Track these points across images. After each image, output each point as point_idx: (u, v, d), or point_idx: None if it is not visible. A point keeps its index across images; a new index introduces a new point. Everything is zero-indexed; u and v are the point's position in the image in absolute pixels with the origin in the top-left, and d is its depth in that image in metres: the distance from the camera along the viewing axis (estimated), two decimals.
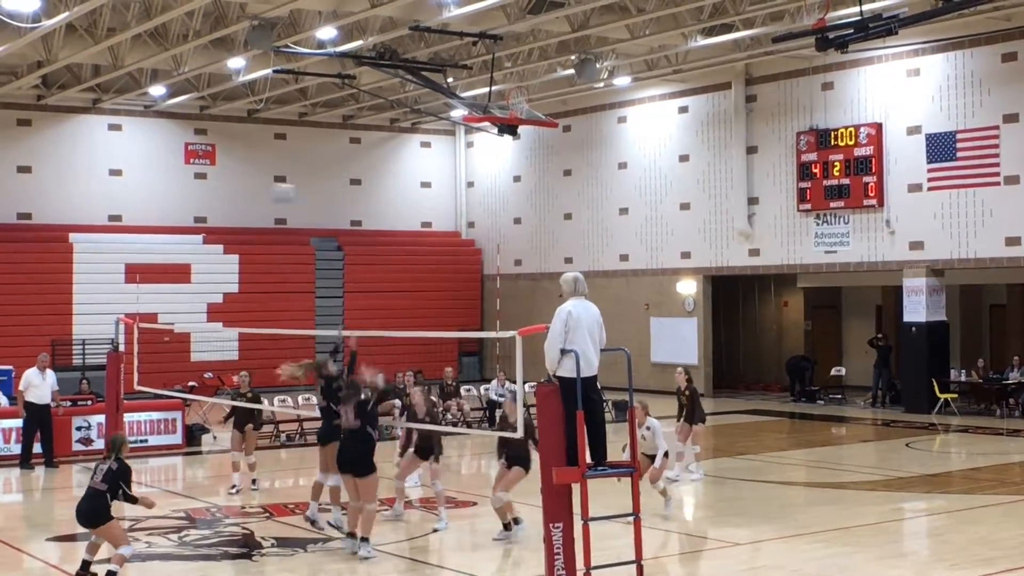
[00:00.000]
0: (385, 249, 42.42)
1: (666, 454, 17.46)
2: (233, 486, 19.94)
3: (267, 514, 17.73)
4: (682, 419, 20.37)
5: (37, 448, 22.87)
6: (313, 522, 16.24)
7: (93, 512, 13.36)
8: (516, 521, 15.90)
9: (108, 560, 13.24)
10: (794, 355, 36.67)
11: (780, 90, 34.41)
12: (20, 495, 21.52)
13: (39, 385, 22.89)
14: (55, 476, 22.28)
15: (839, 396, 34.45)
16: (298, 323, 38.66)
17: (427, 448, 16.95)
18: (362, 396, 14.81)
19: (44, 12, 26.61)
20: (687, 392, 20.17)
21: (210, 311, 38.85)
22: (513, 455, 15.66)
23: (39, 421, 22.93)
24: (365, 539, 14.54)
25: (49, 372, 23.20)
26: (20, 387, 23.07)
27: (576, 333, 12.11)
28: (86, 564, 13.57)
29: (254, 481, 19.88)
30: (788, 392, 35.92)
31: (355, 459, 14.75)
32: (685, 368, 20.56)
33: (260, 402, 20.68)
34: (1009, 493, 19.23)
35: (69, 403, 25.25)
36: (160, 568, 14.40)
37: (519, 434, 13.79)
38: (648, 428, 17.12)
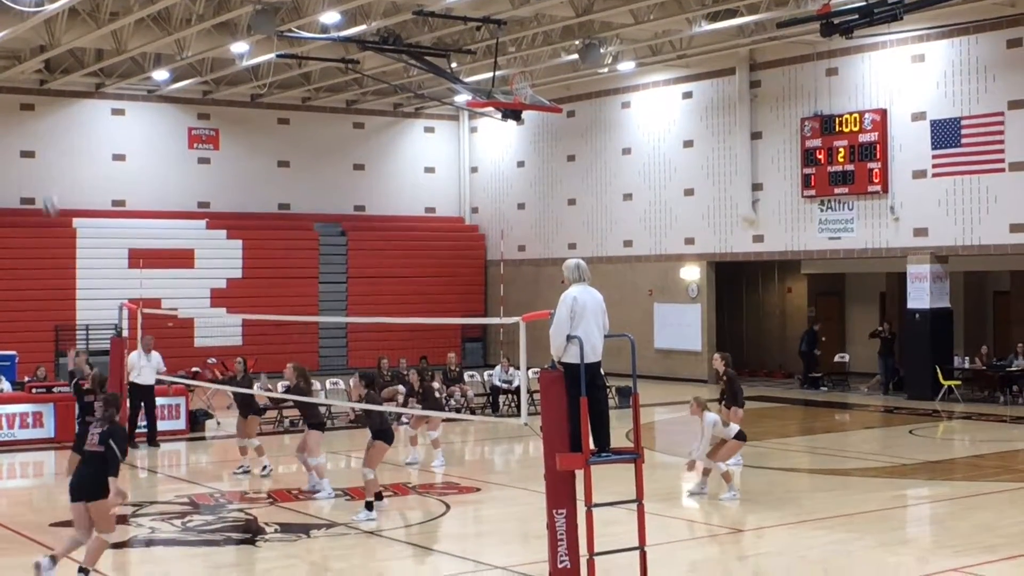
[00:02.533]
0: (389, 234, 42.39)
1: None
2: (240, 466, 20.07)
3: (271, 500, 17.75)
4: (721, 404, 20.27)
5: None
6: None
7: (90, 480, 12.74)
8: (379, 497, 16.57)
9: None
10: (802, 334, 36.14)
11: (784, 76, 34.35)
12: (26, 480, 21.57)
13: (144, 366, 23.15)
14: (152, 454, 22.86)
15: (843, 382, 34.42)
16: (301, 309, 38.68)
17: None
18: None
19: None
20: (724, 376, 20.12)
21: (213, 296, 38.84)
22: (376, 429, 16.59)
23: (143, 401, 23.32)
24: (85, 570, 12.76)
25: (154, 354, 23.50)
26: (127, 369, 23.19)
27: (581, 319, 12.12)
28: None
29: (264, 467, 19.85)
30: (792, 378, 35.92)
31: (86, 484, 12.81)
32: (722, 354, 20.40)
33: (250, 386, 20.70)
34: (1013, 480, 19.22)
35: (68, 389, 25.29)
36: (163, 553, 14.42)
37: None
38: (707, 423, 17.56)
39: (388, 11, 29.07)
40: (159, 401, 24.84)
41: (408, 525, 16.03)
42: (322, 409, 26.91)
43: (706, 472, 17.66)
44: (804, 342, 35.18)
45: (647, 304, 37.74)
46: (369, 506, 16.20)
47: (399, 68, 35.49)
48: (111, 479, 12.66)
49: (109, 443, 12.72)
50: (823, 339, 35.57)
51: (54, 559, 12.77)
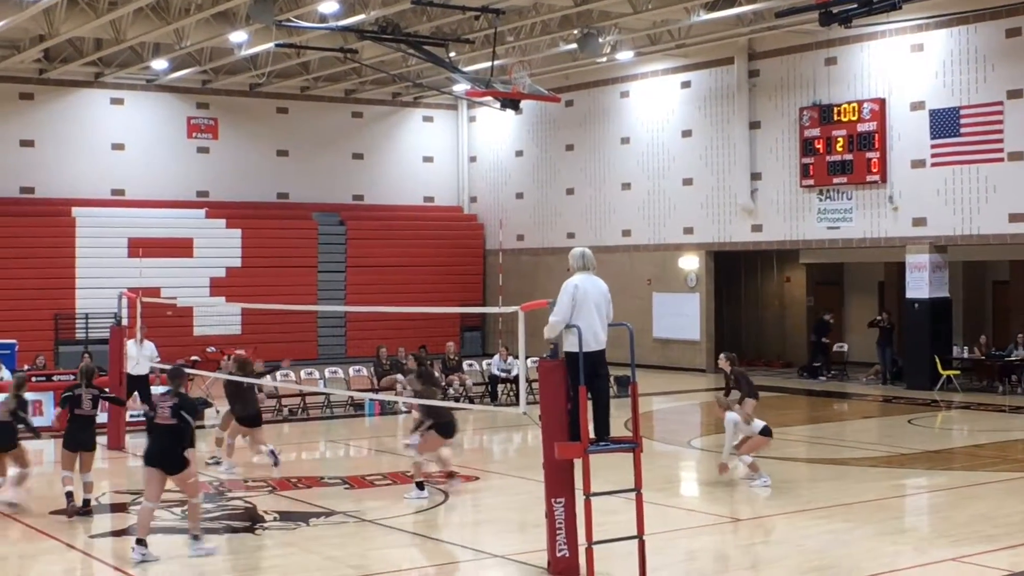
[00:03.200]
0: (387, 224, 42.39)
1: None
2: (213, 457, 19.92)
3: (270, 488, 17.77)
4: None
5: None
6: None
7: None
8: (420, 486, 16.77)
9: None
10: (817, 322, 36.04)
11: (783, 65, 34.32)
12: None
13: (134, 356, 22.85)
14: None
15: (842, 372, 34.42)
16: (300, 298, 38.66)
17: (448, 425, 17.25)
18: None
19: None
20: (732, 376, 20.26)
21: (212, 285, 38.85)
22: (440, 422, 16.93)
23: (137, 391, 22.81)
24: (197, 536, 13.86)
25: (147, 343, 23.12)
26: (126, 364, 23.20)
27: (582, 307, 12.15)
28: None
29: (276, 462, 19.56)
30: (791, 367, 36.02)
31: (164, 454, 13.72)
32: (727, 354, 20.48)
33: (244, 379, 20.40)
34: (1011, 470, 19.24)
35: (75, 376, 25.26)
36: (163, 541, 14.41)
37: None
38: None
39: (387, 0, 29.03)
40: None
41: (407, 514, 16.05)
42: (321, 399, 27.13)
43: (753, 467, 17.72)
44: (815, 331, 35.08)
45: (646, 293, 37.74)
46: (420, 486, 16.56)
47: (398, 57, 35.47)
48: (189, 451, 13.68)
49: (181, 414, 13.58)
50: (822, 320, 35.31)
51: (141, 541, 13.43)
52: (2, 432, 16.44)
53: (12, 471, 16.78)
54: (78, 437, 15.64)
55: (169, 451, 13.58)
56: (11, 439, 16.50)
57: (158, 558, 13.37)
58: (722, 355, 20.28)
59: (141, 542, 13.43)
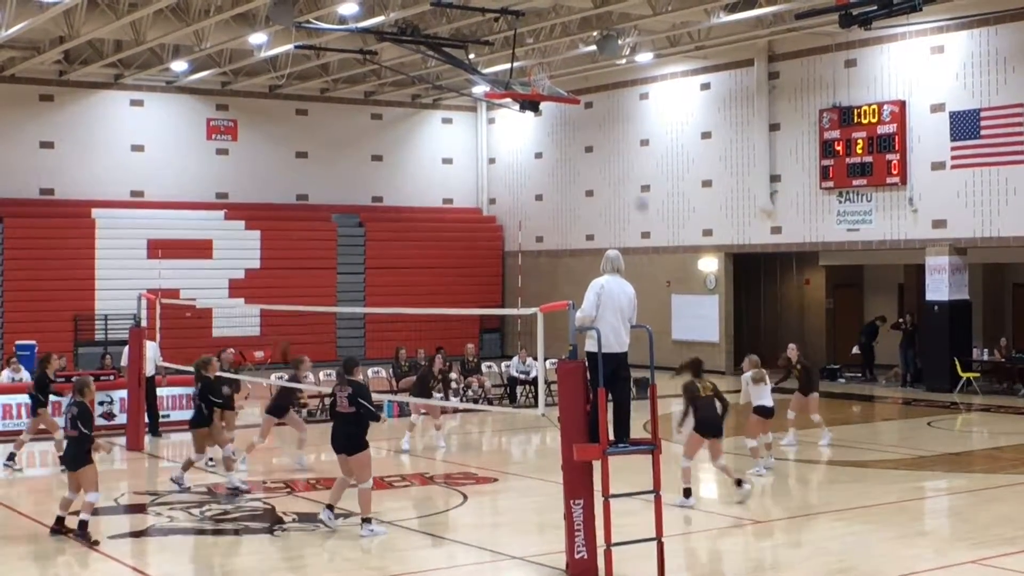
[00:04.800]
0: (406, 225, 42.42)
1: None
2: (210, 459, 19.78)
3: (288, 489, 17.78)
4: (797, 391, 21.64)
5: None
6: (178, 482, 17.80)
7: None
8: (687, 493, 16.33)
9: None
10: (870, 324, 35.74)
11: (803, 67, 34.25)
12: (45, 468, 21.65)
13: (149, 357, 22.83)
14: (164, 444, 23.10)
15: (862, 374, 34.33)
16: (319, 299, 38.68)
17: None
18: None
19: None
20: (798, 366, 20.79)
21: (232, 287, 38.92)
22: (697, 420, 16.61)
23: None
24: (367, 519, 14.64)
25: (150, 344, 23.10)
26: (124, 361, 23.27)
27: (606, 308, 12.17)
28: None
29: (210, 460, 19.43)
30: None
31: (348, 439, 14.93)
32: (797, 346, 21.71)
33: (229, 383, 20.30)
34: None
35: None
36: (182, 542, 14.47)
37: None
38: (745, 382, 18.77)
39: (406, 2, 29.04)
40: (177, 391, 24.94)
41: (425, 515, 16.05)
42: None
43: (754, 452, 17.94)
44: (864, 335, 34.93)
45: (665, 295, 37.69)
46: (687, 493, 16.24)
47: (417, 59, 35.48)
48: (374, 423, 15.10)
49: (359, 401, 14.77)
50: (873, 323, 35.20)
51: (331, 507, 14.88)
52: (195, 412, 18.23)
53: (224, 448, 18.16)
54: (66, 456, 15.05)
55: (353, 436, 14.78)
56: (205, 417, 18.08)
57: (340, 523, 14.68)
58: (792, 345, 21.61)
59: (330, 508, 14.87)
